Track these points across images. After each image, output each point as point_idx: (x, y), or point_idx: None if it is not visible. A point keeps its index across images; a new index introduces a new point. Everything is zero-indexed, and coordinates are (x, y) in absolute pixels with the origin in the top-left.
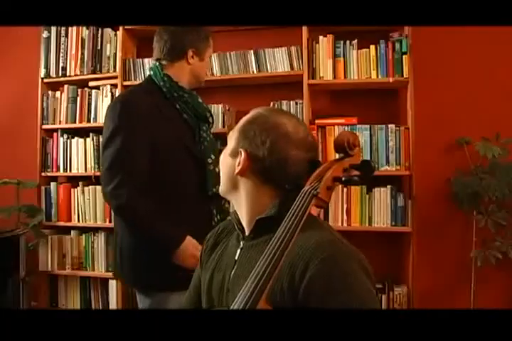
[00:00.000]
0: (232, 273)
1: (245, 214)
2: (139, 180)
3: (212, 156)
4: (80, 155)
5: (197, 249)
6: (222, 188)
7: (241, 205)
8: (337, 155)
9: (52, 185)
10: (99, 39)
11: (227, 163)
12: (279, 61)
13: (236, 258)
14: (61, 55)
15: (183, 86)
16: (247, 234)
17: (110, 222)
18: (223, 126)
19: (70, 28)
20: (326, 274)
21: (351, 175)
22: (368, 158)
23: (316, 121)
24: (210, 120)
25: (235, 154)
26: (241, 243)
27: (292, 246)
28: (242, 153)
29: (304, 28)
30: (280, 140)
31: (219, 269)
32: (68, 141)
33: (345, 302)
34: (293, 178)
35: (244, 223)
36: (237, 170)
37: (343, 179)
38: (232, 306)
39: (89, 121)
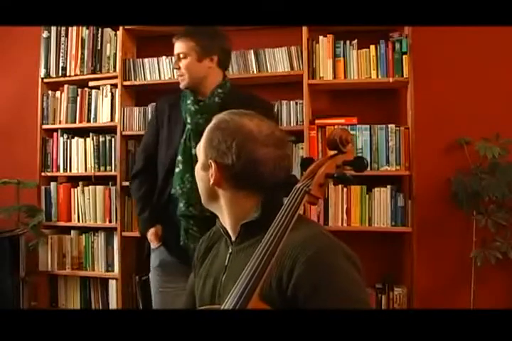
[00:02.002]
0: (223, 278)
1: (228, 221)
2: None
3: (180, 157)
4: (80, 155)
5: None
6: (203, 201)
7: (223, 214)
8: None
9: (52, 185)
10: (99, 39)
11: (201, 177)
12: (279, 61)
13: (226, 263)
14: (61, 55)
15: (195, 91)
16: (233, 239)
17: (110, 221)
18: None
19: (70, 28)
20: (312, 272)
21: (344, 171)
22: (368, 158)
23: (316, 121)
24: (189, 126)
25: (206, 167)
26: (230, 248)
27: (282, 245)
28: (212, 164)
29: (304, 28)
30: (245, 141)
31: (210, 275)
32: (68, 140)
33: (334, 300)
34: (270, 177)
35: (228, 229)
36: (211, 182)
37: (336, 175)
38: (224, 304)
39: (89, 121)
